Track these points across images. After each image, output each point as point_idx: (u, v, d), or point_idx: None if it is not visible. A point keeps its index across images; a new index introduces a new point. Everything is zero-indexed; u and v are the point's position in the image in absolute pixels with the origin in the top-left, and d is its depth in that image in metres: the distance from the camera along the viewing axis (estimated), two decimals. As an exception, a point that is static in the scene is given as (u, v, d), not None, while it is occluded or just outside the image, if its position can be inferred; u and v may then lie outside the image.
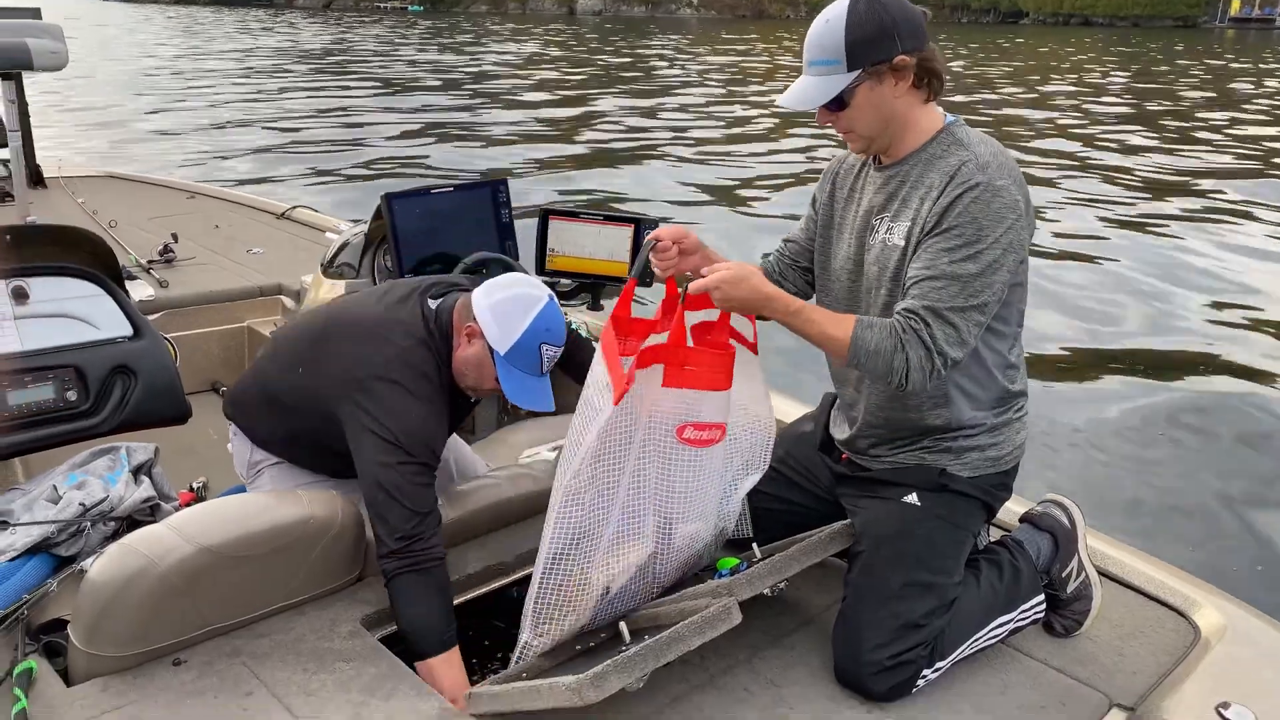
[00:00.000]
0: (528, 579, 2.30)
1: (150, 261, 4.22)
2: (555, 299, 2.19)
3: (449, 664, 1.98)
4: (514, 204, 3.41)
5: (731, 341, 2.05)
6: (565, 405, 3.36)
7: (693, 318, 2.04)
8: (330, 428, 2.15)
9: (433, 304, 2.24)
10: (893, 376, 1.90)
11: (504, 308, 2.13)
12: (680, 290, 1.98)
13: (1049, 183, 11.49)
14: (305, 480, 2.39)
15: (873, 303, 2.08)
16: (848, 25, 1.89)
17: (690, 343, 1.99)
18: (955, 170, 1.94)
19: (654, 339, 1.99)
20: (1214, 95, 20.32)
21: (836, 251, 2.19)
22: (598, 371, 1.91)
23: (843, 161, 2.24)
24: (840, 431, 2.28)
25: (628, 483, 1.95)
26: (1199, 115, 17.14)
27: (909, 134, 2.01)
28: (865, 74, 1.92)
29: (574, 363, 2.42)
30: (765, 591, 1.98)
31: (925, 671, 1.95)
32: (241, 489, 2.58)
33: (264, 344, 2.45)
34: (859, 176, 2.17)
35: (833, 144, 12.65)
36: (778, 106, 2.03)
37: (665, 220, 3.26)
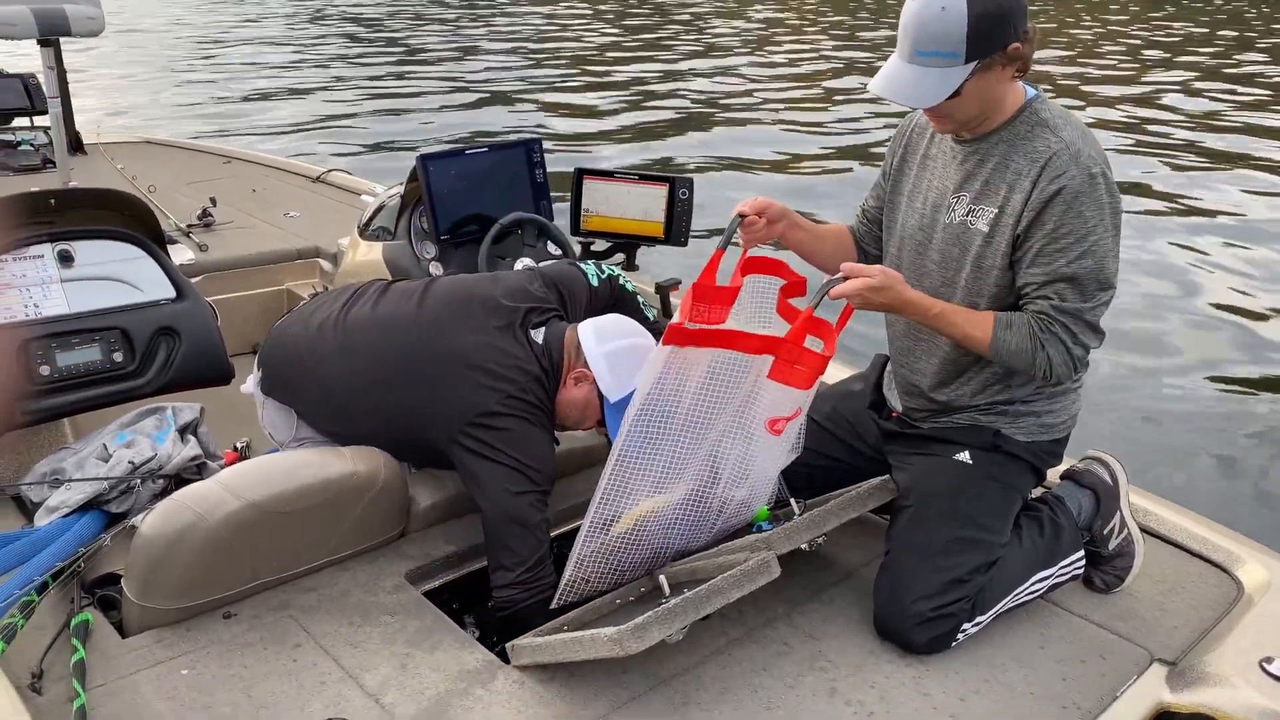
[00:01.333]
0: (566, 534, 2.35)
1: (189, 226, 4.26)
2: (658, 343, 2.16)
3: None
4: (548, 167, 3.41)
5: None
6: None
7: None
8: (414, 446, 2.13)
9: (537, 336, 2.18)
10: (1035, 371, 1.94)
11: (619, 358, 2.13)
12: (818, 294, 1.91)
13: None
14: None
15: (950, 282, 2.05)
16: (970, 16, 1.76)
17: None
18: (1046, 159, 1.89)
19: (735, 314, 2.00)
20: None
21: (906, 220, 2.15)
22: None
23: (913, 124, 2.18)
24: (895, 401, 2.28)
25: (704, 452, 1.95)
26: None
27: (997, 112, 1.95)
28: (979, 65, 1.82)
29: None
30: (804, 546, 1.99)
31: (966, 625, 1.95)
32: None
33: (309, 324, 2.28)
34: (932, 142, 2.12)
35: (888, 115, 12.50)
36: (876, 96, 1.87)
37: (693, 176, 3.24)
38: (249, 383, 2.40)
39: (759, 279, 2.09)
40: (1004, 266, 1.98)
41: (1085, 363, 1.95)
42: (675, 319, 1.89)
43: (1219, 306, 6.40)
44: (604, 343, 2.15)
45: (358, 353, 2.17)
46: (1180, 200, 8.84)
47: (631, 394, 2.03)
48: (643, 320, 2.52)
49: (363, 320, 2.22)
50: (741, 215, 2.09)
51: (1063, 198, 1.86)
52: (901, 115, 2.27)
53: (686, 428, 1.90)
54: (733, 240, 2.12)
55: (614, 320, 2.22)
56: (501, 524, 2.00)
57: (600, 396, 2.15)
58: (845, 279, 1.89)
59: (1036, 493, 2.25)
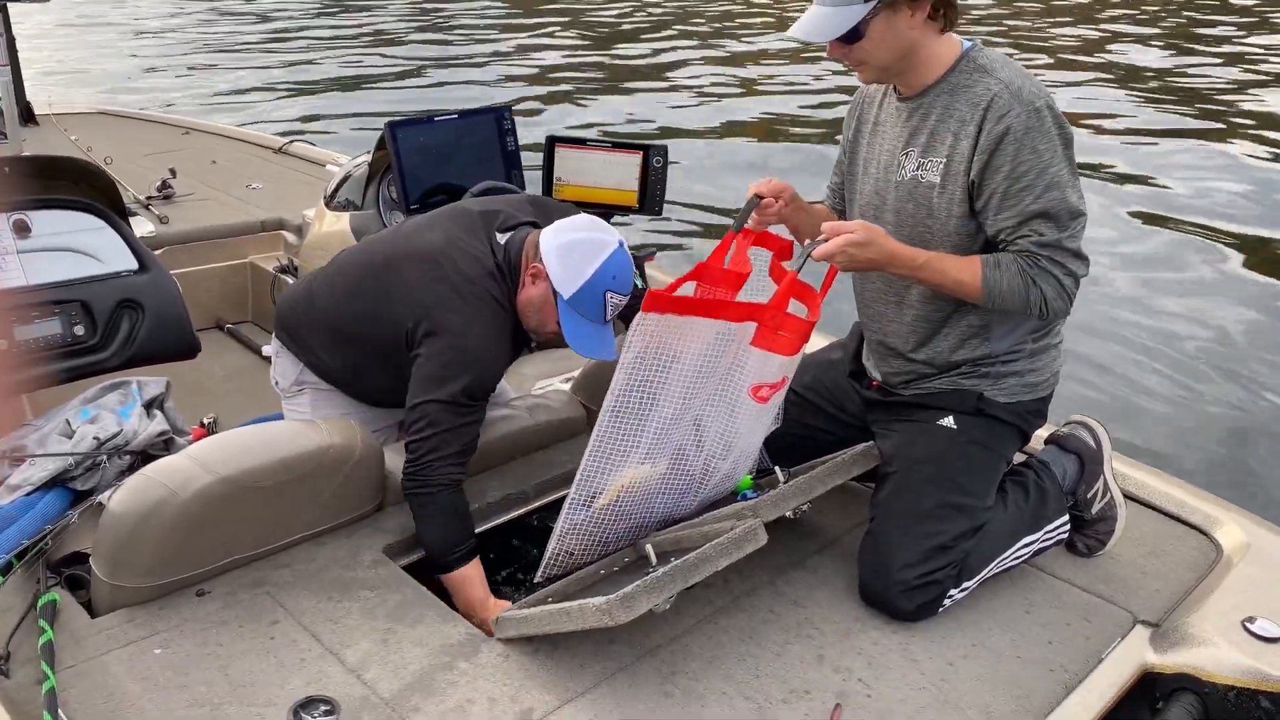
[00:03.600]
0: (547, 507, 2.31)
1: (149, 198, 4.15)
2: (625, 244, 2.13)
3: (456, 583, 2.01)
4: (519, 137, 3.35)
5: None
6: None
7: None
8: (397, 358, 2.13)
9: (501, 238, 2.18)
10: (1031, 309, 1.94)
11: (571, 250, 2.06)
12: (800, 256, 1.91)
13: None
14: (346, 410, 2.36)
15: (909, 239, 2.03)
16: None
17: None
18: (988, 101, 1.90)
19: (745, 296, 1.98)
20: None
21: (862, 187, 2.16)
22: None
23: (864, 95, 2.20)
24: (874, 370, 2.26)
25: (688, 420, 1.93)
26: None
27: (927, 64, 1.97)
28: (881, 4, 1.86)
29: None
30: (788, 514, 1.97)
31: (952, 591, 1.95)
32: (256, 421, 2.56)
33: (316, 273, 2.38)
34: (881, 108, 2.13)
35: (839, 75, 12.48)
36: (789, 38, 1.96)
37: (665, 143, 3.19)
38: (267, 349, 2.55)
39: (760, 253, 2.07)
40: (961, 214, 1.98)
41: (1076, 293, 1.95)
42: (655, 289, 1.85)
43: (1198, 269, 6.49)
44: (559, 236, 2.10)
45: (346, 271, 2.29)
46: (1148, 159, 8.93)
47: (584, 290, 2.05)
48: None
49: (348, 253, 2.37)
50: (759, 197, 2.06)
51: (1012, 136, 1.87)
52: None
53: (670, 398, 1.87)
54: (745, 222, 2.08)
55: (578, 217, 2.18)
56: (410, 416, 2.04)
57: (556, 295, 2.08)
58: (827, 239, 1.87)
59: (1020, 458, 2.25)
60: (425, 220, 2.29)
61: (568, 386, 2.68)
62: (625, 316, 2.39)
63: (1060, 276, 1.91)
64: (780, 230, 2.15)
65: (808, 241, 1.92)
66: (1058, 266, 1.91)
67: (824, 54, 2.01)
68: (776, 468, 2.11)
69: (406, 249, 2.19)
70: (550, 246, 2.08)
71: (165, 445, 2.34)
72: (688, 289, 2.00)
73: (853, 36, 1.90)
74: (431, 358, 2.04)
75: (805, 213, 2.18)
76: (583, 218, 2.17)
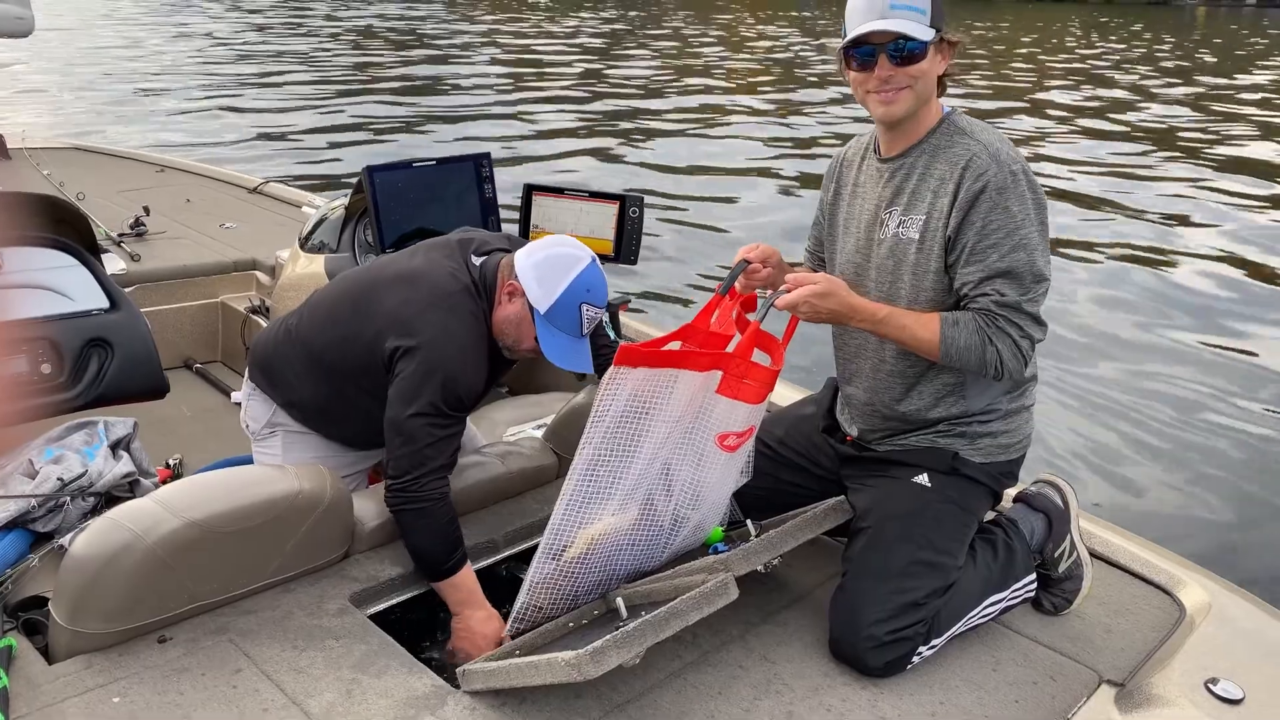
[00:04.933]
0: (517, 556, 2.30)
1: (121, 235, 4.13)
2: (598, 261, 2.17)
3: (455, 586, 2.05)
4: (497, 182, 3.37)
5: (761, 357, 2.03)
6: (547, 384, 3.35)
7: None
8: (376, 385, 2.14)
9: (477, 260, 2.23)
10: (987, 369, 1.96)
11: (545, 266, 2.12)
12: (763, 307, 1.96)
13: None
14: (318, 453, 2.36)
15: (889, 295, 2.08)
16: None
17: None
18: (966, 161, 1.96)
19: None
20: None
21: (844, 246, 2.21)
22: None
23: (841, 159, 2.27)
24: (849, 426, 2.28)
25: (657, 470, 1.93)
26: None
27: (919, 121, 2.04)
28: (938, 35, 1.96)
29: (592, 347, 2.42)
30: (759, 568, 1.97)
31: (921, 649, 1.95)
32: (224, 464, 2.53)
33: (291, 313, 2.40)
34: (860, 170, 2.18)
35: (822, 126, 12.67)
36: (860, 30, 1.92)
37: (641, 194, 3.23)
38: (237, 395, 2.54)
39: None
40: (939, 269, 2.02)
41: (1030, 356, 1.99)
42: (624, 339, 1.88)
43: (1161, 329, 6.61)
44: (533, 254, 2.15)
45: (324, 302, 2.32)
46: (1118, 223, 9.11)
47: (560, 303, 2.09)
48: (604, 337, 2.51)
49: (325, 287, 2.41)
50: (747, 261, 2.09)
51: (988, 195, 1.93)
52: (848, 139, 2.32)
53: (643, 450, 1.87)
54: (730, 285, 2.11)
55: (550, 237, 2.22)
56: (391, 432, 2.05)
57: (533, 311, 2.13)
58: (789, 290, 1.92)
59: (989, 515, 2.26)
60: (405, 252, 2.33)
61: (539, 434, 2.67)
62: (600, 367, 2.41)
63: (1016, 338, 1.94)
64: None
65: (770, 292, 1.96)
66: (1014, 328, 1.94)
67: (832, 89, 2.08)
68: (748, 520, 2.11)
69: (383, 274, 2.23)
70: (525, 264, 2.13)
71: (130, 487, 2.32)
72: (671, 348, 2.03)
73: (913, 56, 1.94)
74: (410, 372, 2.05)
75: (786, 275, 2.21)
76: (555, 237, 2.23)
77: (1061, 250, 7.97)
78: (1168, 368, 6.00)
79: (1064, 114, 15.21)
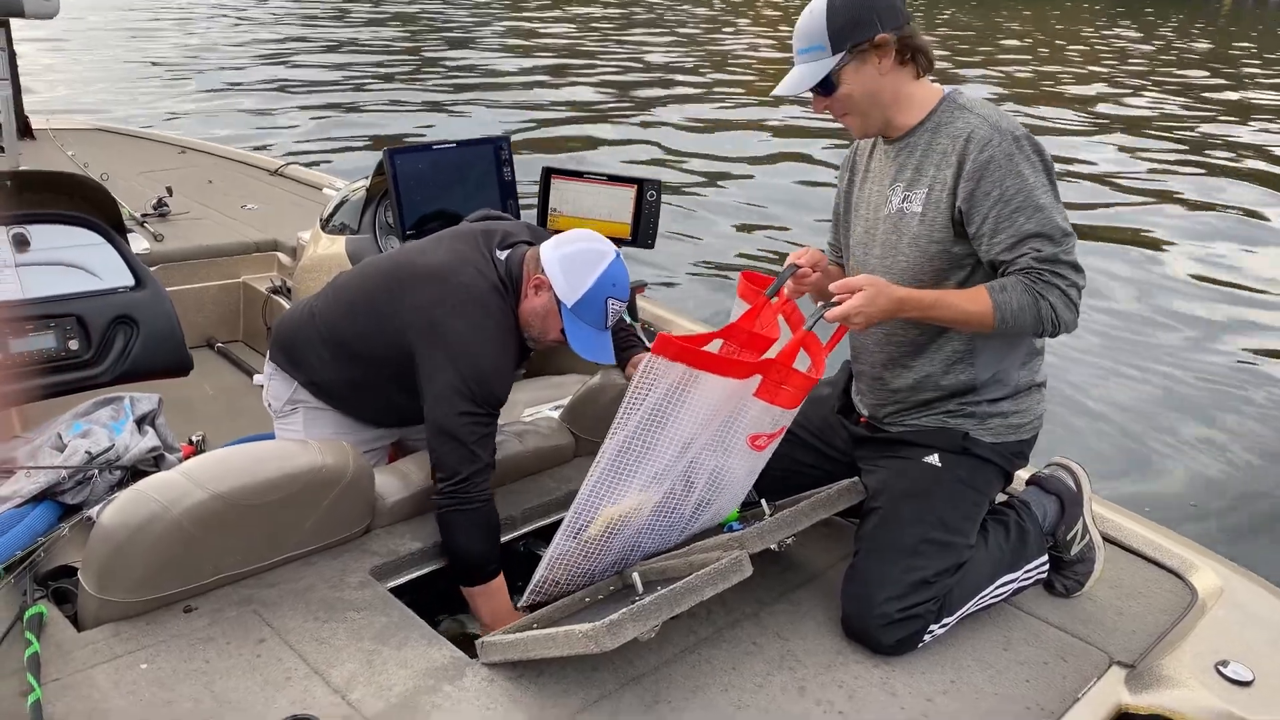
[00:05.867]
0: (534, 533, 2.33)
1: (144, 215, 4.17)
2: (621, 256, 2.21)
3: (489, 594, 2.08)
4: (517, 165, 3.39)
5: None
6: (564, 366, 3.37)
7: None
8: (401, 374, 2.17)
9: (501, 254, 2.26)
10: (1044, 325, 1.97)
11: (573, 261, 2.15)
12: (813, 317, 1.97)
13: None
14: (339, 429, 2.40)
15: (891, 269, 2.10)
16: (829, 11, 1.99)
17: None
18: (968, 134, 1.99)
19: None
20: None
21: (854, 229, 2.24)
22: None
23: (855, 148, 2.30)
24: (864, 405, 2.30)
25: (685, 463, 1.96)
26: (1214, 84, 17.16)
27: (907, 109, 2.07)
28: (849, 55, 2.00)
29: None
30: (773, 547, 2.00)
31: (932, 627, 1.97)
32: (247, 440, 2.57)
33: (315, 294, 2.43)
34: (871, 156, 2.22)
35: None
36: (774, 96, 2.08)
37: (659, 177, 3.25)
38: (259, 377, 2.57)
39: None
40: (943, 239, 2.04)
41: (1079, 307, 2.00)
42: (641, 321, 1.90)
43: (1178, 314, 6.58)
44: (560, 248, 2.18)
45: (350, 289, 2.34)
46: (1147, 207, 9.06)
47: (587, 297, 2.13)
48: (621, 321, 2.54)
49: (350, 272, 2.43)
50: (797, 266, 2.12)
51: (997, 163, 1.96)
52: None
53: (673, 440, 1.90)
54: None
55: (574, 231, 2.26)
56: (436, 435, 2.08)
57: (559, 304, 2.16)
58: (838, 303, 1.93)
59: (1002, 498, 2.28)
60: (428, 240, 2.36)
61: (556, 414, 2.70)
62: (617, 351, 2.45)
63: (1064, 288, 1.96)
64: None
65: (820, 304, 1.99)
66: (1059, 279, 1.96)
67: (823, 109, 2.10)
68: (762, 500, 2.14)
69: (412, 268, 2.24)
70: (552, 258, 2.16)
71: (155, 461, 2.35)
72: (713, 346, 2.05)
73: (828, 88, 2.03)
74: (445, 374, 2.08)
75: (829, 277, 2.22)
76: (580, 231, 2.26)
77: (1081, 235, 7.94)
78: (1183, 352, 5.99)
79: (1086, 101, 15.11)
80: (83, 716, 1.62)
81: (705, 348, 1.94)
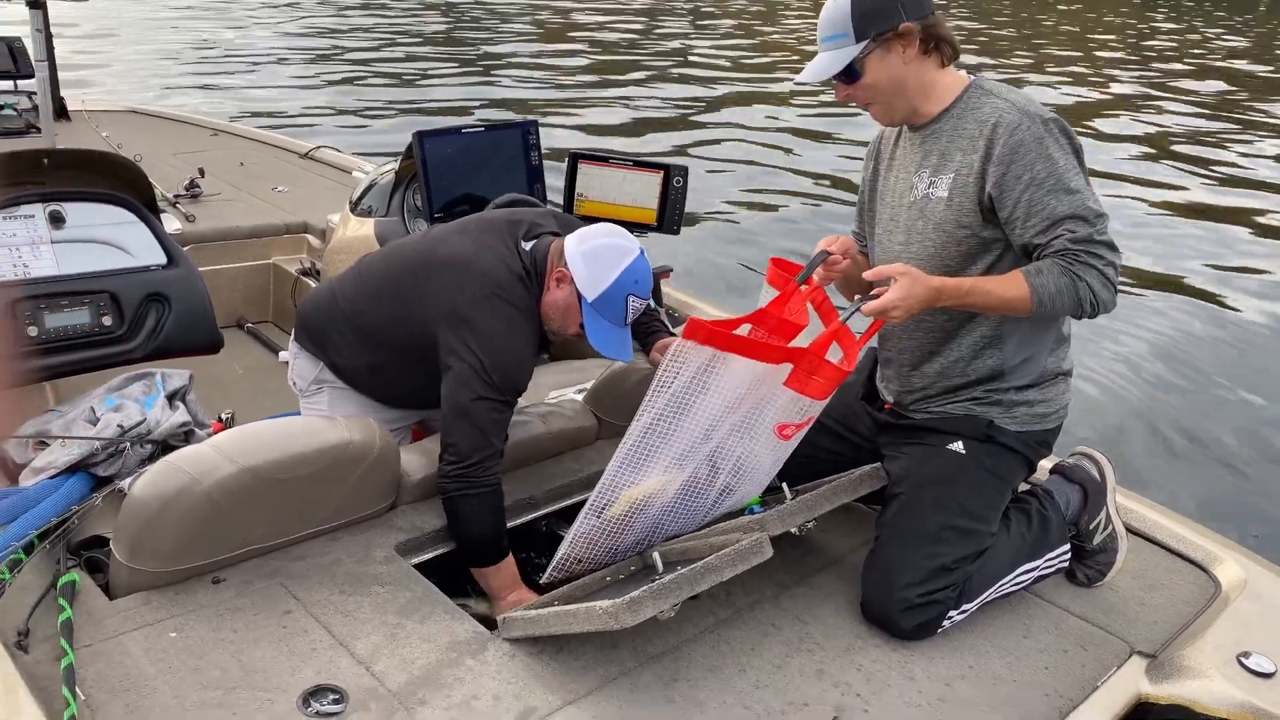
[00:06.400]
0: (557, 513, 2.35)
1: (176, 196, 4.22)
2: (645, 252, 2.21)
3: (499, 573, 2.09)
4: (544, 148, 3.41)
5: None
6: (589, 351, 3.39)
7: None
8: (424, 359, 2.18)
9: (526, 245, 2.27)
10: (1083, 306, 1.97)
11: (596, 256, 2.16)
12: (849, 311, 1.98)
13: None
14: (363, 409, 2.42)
15: (917, 255, 2.10)
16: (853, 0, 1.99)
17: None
18: (995, 119, 1.98)
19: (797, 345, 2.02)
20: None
21: (880, 216, 2.24)
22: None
23: (881, 137, 2.30)
24: (889, 392, 2.30)
25: (710, 448, 1.97)
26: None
27: (932, 96, 2.07)
28: (873, 43, 2.00)
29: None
30: (794, 531, 2.01)
31: (952, 613, 1.98)
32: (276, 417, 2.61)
33: (339, 276, 2.46)
34: (897, 145, 2.22)
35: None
36: (797, 83, 2.09)
37: (686, 163, 3.25)
38: (284, 354, 2.60)
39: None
40: (970, 224, 2.04)
41: (1117, 284, 1.99)
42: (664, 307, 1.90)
43: (1212, 302, 6.51)
44: (584, 242, 2.19)
45: (374, 273, 2.37)
46: (1182, 197, 8.97)
47: (608, 293, 2.14)
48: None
49: (374, 255, 2.46)
50: (827, 253, 2.12)
51: (1027, 147, 1.95)
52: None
53: (699, 423, 1.91)
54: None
55: (600, 226, 2.27)
56: (451, 417, 2.09)
57: (580, 298, 2.17)
58: (874, 296, 1.93)
59: (1025, 486, 2.28)
60: (455, 227, 2.36)
61: (580, 397, 2.72)
62: (638, 335, 2.46)
63: (1101, 268, 1.95)
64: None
65: (857, 297, 1.99)
66: (1096, 259, 1.95)
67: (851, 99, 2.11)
68: (784, 485, 2.15)
69: (436, 255, 2.25)
70: (575, 252, 2.17)
71: (186, 436, 2.39)
72: (742, 331, 2.06)
73: (851, 75, 2.03)
74: (465, 359, 2.09)
75: (860, 268, 2.22)
76: (604, 226, 2.26)
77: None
78: (1212, 345, 5.94)
79: (1125, 87, 14.93)
80: (113, 681, 1.66)
81: (735, 331, 1.95)
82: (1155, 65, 18.40)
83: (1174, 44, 21.69)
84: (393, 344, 2.29)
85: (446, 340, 2.14)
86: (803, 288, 2.10)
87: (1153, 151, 11.33)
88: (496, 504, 2.09)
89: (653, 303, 2.62)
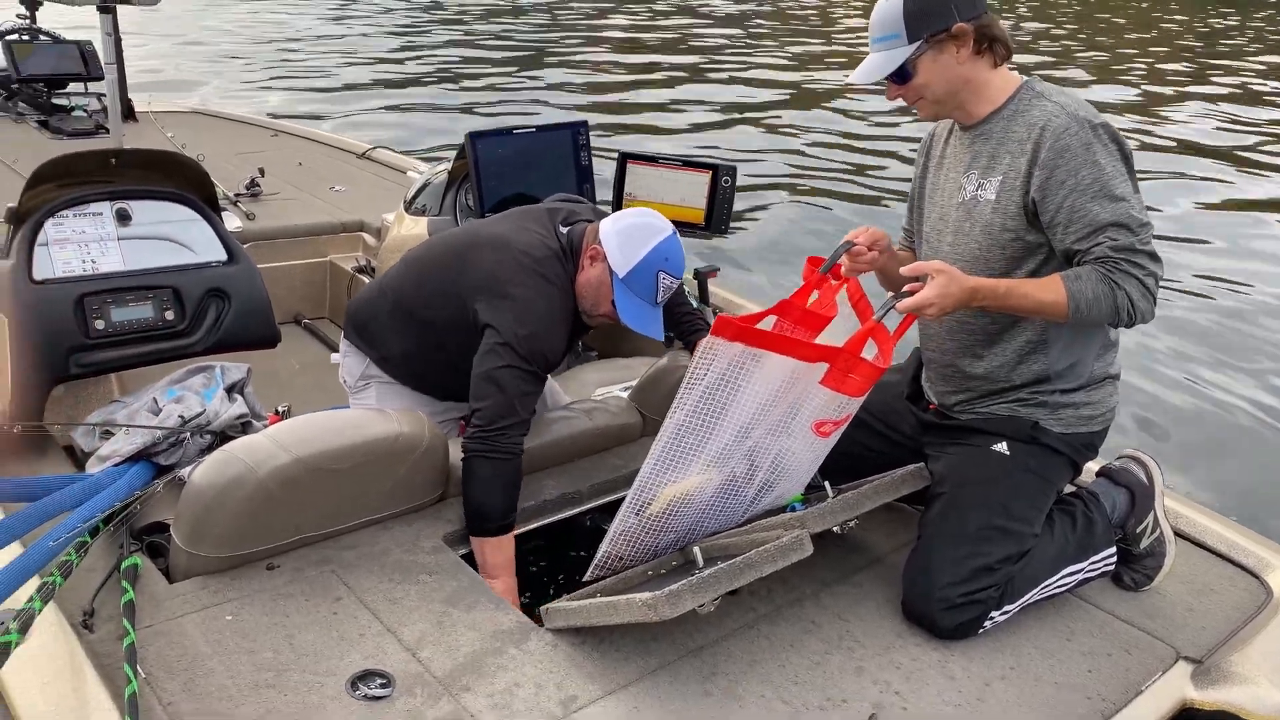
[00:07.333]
0: (601, 508, 2.39)
1: (237, 194, 4.33)
2: (678, 234, 2.27)
3: (498, 548, 2.12)
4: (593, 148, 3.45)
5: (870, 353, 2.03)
6: (635, 349, 3.42)
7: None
8: (467, 341, 2.24)
9: (564, 229, 2.35)
10: (1120, 315, 1.95)
11: (628, 233, 2.23)
12: (884, 307, 1.98)
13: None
14: (409, 403, 2.48)
15: (964, 256, 2.10)
16: (905, 0, 1.99)
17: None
18: (1044, 123, 1.97)
19: (824, 338, 2.05)
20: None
21: (929, 215, 2.24)
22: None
23: (932, 136, 2.30)
24: (933, 393, 2.30)
25: (747, 446, 1.99)
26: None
27: (983, 97, 2.07)
28: (926, 44, 2.00)
29: (668, 308, 2.52)
30: (835, 529, 2.02)
31: (993, 613, 1.97)
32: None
33: (385, 273, 2.54)
34: (947, 144, 2.22)
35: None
36: (848, 83, 2.11)
37: (735, 164, 3.26)
38: (334, 356, 2.68)
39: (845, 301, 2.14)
40: (1016, 228, 2.03)
41: (1155, 296, 1.97)
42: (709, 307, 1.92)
43: (1266, 307, 6.36)
44: (617, 222, 2.26)
45: (418, 260, 2.46)
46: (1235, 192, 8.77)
47: (639, 269, 2.19)
48: (686, 304, 2.59)
49: (419, 246, 2.53)
50: (850, 243, 2.11)
51: (1073, 152, 1.94)
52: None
53: (734, 421, 1.92)
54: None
55: (634, 209, 2.34)
56: (480, 382, 2.16)
57: (612, 275, 2.23)
58: (909, 293, 1.93)
59: (1070, 489, 2.26)
60: (497, 216, 2.47)
61: (626, 395, 2.75)
62: (681, 333, 2.50)
63: (1141, 277, 1.93)
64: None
65: (890, 295, 1.99)
66: (1136, 268, 1.93)
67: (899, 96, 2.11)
68: (826, 483, 2.16)
69: (476, 237, 2.35)
70: (609, 230, 2.25)
71: (243, 428, 2.46)
72: (766, 323, 2.07)
73: (903, 76, 2.03)
74: (499, 328, 2.16)
75: (896, 260, 2.22)
76: (639, 209, 2.33)
77: (1164, 220, 7.73)
78: (1269, 346, 5.80)
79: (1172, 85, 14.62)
80: (172, 661, 1.73)
81: (758, 325, 1.96)
82: (1224, 63, 17.97)
83: (1244, 41, 21.16)
84: (435, 324, 2.36)
85: (482, 311, 2.21)
86: (834, 282, 2.10)
87: (1222, 147, 11.08)
88: (513, 475, 2.14)
89: (697, 301, 2.65)
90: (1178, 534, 2.27)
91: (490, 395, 2.14)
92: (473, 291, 2.24)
